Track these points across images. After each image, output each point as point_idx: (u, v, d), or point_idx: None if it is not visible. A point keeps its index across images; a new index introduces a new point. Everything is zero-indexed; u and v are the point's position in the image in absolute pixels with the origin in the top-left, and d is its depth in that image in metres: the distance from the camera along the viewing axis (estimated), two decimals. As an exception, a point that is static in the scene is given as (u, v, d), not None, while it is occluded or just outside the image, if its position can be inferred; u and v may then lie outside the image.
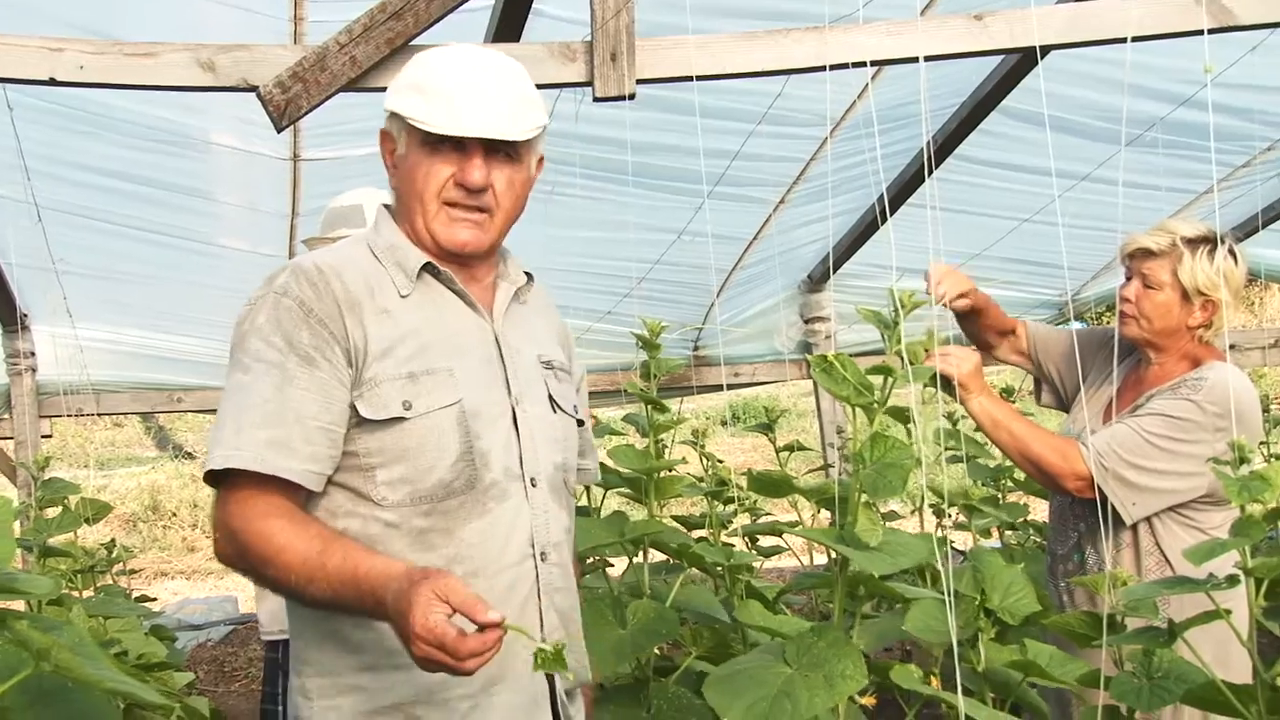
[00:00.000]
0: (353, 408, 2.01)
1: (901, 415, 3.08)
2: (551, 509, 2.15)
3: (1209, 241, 3.13)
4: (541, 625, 2.11)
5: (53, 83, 3.26)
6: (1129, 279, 3.23)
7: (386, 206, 2.21)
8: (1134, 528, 3.09)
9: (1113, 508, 3.03)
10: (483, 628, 1.74)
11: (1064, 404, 3.46)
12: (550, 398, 2.20)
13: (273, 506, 1.95)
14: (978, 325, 3.39)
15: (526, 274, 2.26)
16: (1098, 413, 3.29)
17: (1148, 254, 3.16)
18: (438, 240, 2.10)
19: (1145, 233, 3.20)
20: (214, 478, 2.00)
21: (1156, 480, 3.02)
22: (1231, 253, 3.14)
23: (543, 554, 2.11)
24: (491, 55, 2.13)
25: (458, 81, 2.05)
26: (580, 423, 2.33)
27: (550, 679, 2.12)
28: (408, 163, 2.11)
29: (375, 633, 2.00)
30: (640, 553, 3.22)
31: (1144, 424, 3.05)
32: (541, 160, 2.21)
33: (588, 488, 3.53)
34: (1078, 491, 3.04)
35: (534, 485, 2.12)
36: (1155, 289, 3.15)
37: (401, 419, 2.01)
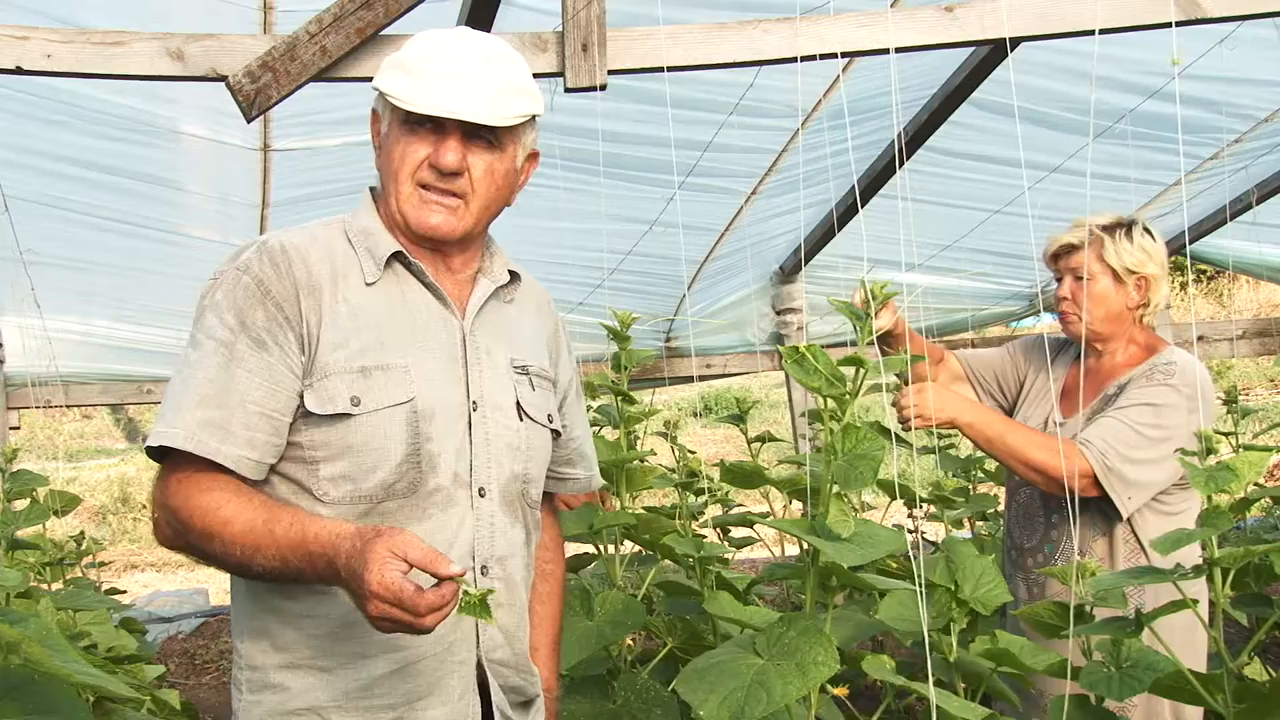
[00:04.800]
0: (300, 398, 1.96)
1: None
2: (500, 521, 2.07)
3: (1123, 225, 3.24)
4: (478, 641, 2.05)
5: (19, 71, 3.23)
6: (1060, 280, 3.32)
7: (372, 189, 2.16)
8: (1110, 516, 3.11)
9: (1092, 502, 3.07)
10: (441, 582, 1.70)
11: (1007, 408, 3.48)
12: (518, 404, 2.12)
13: (216, 482, 1.90)
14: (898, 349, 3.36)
15: (512, 272, 2.19)
16: (1054, 406, 3.32)
17: (1071, 249, 3.27)
18: (408, 222, 2.04)
19: (1064, 232, 3.31)
20: (158, 456, 1.96)
21: (1150, 470, 3.06)
22: (1147, 230, 3.25)
23: (484, 567, 2.04)
24: (485, 40, 2.07)
25: (443, 62, 1.98)
26: (556, 433, 2.24)
27: (485, 698, 2.06)
28: (388, 141, 2.05)
29: (301, 633, 1.98)
30: (612, 544, 3.22)
31: (1131, 415, 3.08)
32: (536, 155, 2.15)
33: None
34: (1083, 491, 3.02)
35: (482, 495, 2.04)
36: (1090, 280, 3.21)
37: (348, 415, 1.95)
